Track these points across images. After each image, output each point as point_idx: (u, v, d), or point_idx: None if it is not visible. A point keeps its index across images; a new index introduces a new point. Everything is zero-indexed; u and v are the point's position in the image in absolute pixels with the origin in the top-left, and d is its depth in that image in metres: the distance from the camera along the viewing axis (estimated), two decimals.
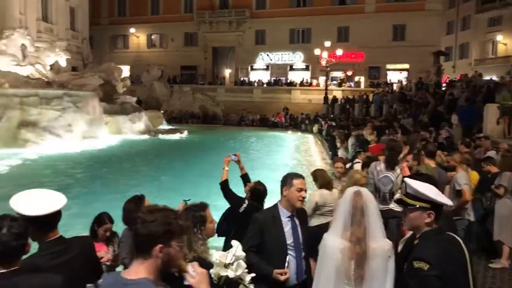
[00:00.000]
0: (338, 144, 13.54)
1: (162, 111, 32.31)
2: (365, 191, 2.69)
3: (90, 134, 20.58)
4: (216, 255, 2.33)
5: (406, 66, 38.29)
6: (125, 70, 35.26)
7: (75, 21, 34.84)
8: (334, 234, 2.64)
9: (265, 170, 12.20)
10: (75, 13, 34.82)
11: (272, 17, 40.39)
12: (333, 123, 21.75)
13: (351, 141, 12.20)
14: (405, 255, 2.52)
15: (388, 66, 39.33)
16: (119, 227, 3.94)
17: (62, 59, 26.59)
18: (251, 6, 42.04)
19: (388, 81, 36.69)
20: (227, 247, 3.24)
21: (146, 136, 24.28)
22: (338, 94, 35.22)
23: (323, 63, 33.69)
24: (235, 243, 2.40)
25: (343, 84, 38.35)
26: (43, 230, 2.41)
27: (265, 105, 37.22)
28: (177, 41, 44.61)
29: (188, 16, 43.51)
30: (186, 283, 1.83)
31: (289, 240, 3.34)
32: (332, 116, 27.56)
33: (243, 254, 2.36)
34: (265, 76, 42.00)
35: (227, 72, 45.46)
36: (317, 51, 34.19)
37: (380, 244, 2.57)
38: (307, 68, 41.37)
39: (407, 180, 2.69)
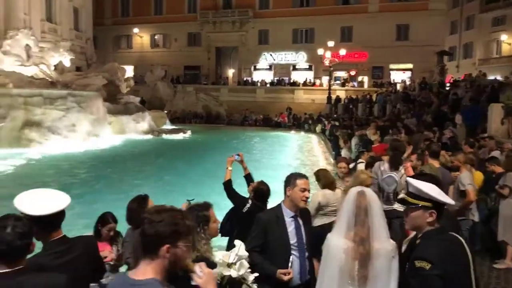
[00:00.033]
0: (342, 144, 13.50)
1: (165, 111, 32.36)
2: (368, 191, 2.68)
3: (93, 134, 20.65)
4: (219, 255, 2.33)
5: (410, 66, 38.19)
6: (129, 70, 35.38)
7: (79, 21, 34.97)
8: (337, 234, 2.63)
9: (268, 170, 12.19)
10: (79, 14, 34.95)
11: (275, 17, 40.39)
12: (337, 123, 21.69)
13: (354, 141, 12.17)
14: (408, 255, 2.52)
15: (392, 66, 39.24)
16: (123, 226, 3.95)
17: (66, 59, 26.68)
18: (254, 6, 42.06)
19: (392, 81, 36.56)
20: (230, 247, 3.24)
21: (149, 136, 24.34)
22: (342, 94, 35.14)
23: (326, 63, 33.65)
24: (238, 242, 2.40)
25: (347, 84, 38.26)
26: (47, 229, 2.42)
27: (268, 105, 37.21)
28: (180, 41, 44.69)
29: (192, 16, 43.58)
30: (193, 283, 1.83)
31: (293, 240, 3.34)
32: (335, 116, 27.50)
33: (246, 253, 2.36)
34: (268, 76, 41.99)
35: (230, 72, 45.49)
36: (320, 51, 34.15)
37: (384, 244, 2.56)
38: (310, 68, 41.34)
39: (409, 179, 2.69)
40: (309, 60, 40.79)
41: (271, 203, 4.24)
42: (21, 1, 25.79)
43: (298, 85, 39.15)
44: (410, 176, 3.27)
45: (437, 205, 2.48)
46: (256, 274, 2.37)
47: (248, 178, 5.06)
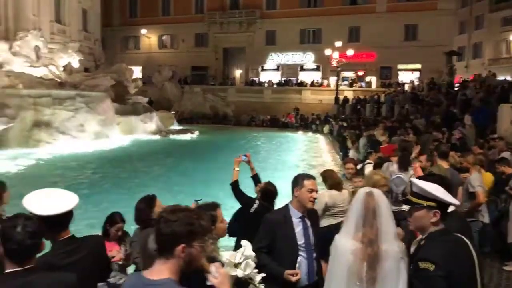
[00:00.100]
0: (349, 145, 13.45)
1: (173, 112, 32.51)
2: (377, 192, 2.66)
3: (102, 134, 20.79)
4: (225, 255, 2.33)
5: (418, 66, 37.89)
6: (137, 71, 35.53)
7: (87, 22, 35.24)
8: (346, 235, 2.61)
9: (275, 171, 12.20)
10: (87, 15, 35.21)
11: (283, 17, 40.33)
12: (344, 124, 21.63)
13: (362, 141, 12.10)
14: (413, 256, 2.50)
15: (400, 66, 38.97)
16: (130, 227, 3.96)
17: (74, 60, 26.93)
18: (262, 7, 42.04)
19: (400, 81, 36.33)
20: (237, 247, 3.23)
21: (157, 136, 24.46)
22: (349, 94, 34.99)
23: (334, 63, 33.52)
24: (244, 242, 2.40)
25: (354, 84, 38.07)
26: (56, 229, 2.43)
27: (275, 105, 37.17)
28: (188, 41, 44.82)
29: (199, 17, 43.69)
30: (208, 283, 1.83)
31: (300, 240, 3.32)
32: (343, 116, 27.38)
33: (253, 254, 2.35)
34: (276, 77, 41.94)
35: (237, 73, 45.53)
36: (328, 51, 34.02)
37: (392, 245, 2.54)
38: (317, 69, 41.21)
39: (413, 179, 2.67)
40: (316, 60, 40.66)
41: (279, 204, 4.23)
42: (30, 2, 26.05)
43: (306, 86, 39.02)
44: (419, 177, 3.24)
45: (441, 205, 2.46)
46: (263, 275, 2.37)
47: (255, 178, 5.06)
